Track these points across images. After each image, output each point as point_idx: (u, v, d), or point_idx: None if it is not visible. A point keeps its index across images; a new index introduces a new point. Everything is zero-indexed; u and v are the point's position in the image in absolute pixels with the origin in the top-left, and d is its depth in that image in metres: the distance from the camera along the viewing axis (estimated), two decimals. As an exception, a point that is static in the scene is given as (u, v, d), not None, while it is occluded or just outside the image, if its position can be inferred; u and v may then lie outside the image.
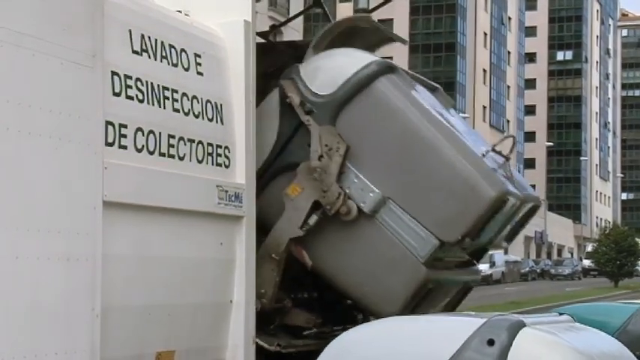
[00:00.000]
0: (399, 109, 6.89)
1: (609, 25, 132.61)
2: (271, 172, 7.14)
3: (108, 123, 5.56)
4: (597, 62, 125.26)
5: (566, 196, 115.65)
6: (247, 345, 6.70)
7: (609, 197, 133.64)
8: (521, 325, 4.53)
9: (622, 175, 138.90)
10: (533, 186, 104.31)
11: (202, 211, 6.36)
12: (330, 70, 7.11)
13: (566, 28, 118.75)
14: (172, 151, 6.11)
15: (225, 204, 6.53)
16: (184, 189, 6.19)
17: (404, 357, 4.53)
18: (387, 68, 7.06)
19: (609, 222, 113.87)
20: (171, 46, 6.18)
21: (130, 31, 5.83)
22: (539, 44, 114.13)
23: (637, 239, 67.49)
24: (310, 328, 7.33)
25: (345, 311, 7.56)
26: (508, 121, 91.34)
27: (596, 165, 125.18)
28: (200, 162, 6.35)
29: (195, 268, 6.34)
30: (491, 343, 4.42)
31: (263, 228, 7.04)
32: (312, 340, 7.24)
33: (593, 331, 5.35)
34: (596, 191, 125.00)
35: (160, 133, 5.97)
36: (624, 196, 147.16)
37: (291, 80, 7.15)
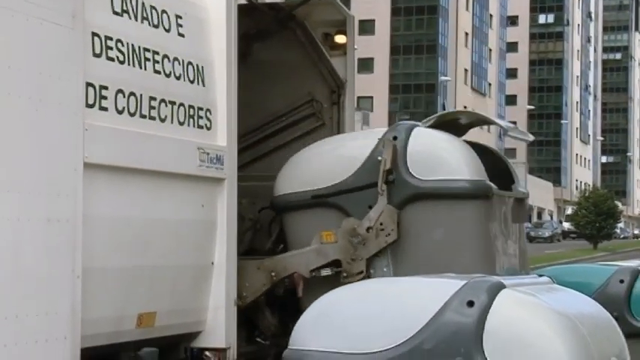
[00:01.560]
0: (472, 236, 6.58)
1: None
2: (326, 198, 6.87)
3: (88, 84, 5.53)
4: (579, 25, 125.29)
5: (546, 160, 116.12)
6: (228, 306, 6.73)
7: (589, 160, 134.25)
8: (501, 286, 4.57)
9: (602, 139, 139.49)
10: (514, 150, 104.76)
11: (183, 173, 6.35)
12: (438, 160, 6.69)
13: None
14: (153, 113, 6.09)
15: (207, 166, 6.53)
16: (165, 151, 6.18)
17: (384, 317, 4.56)
18: (487, 194, 6.67)
19: (589, 185, 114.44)
20: (152, 7, 6.14)
21: (111, -9, 5.79)
22: (521, 7, 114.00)
23: (616, 202, 67.94)
24: (267, 335, 7.34)
25: None
26: (490, 85, 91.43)
27: (577, 128, 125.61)
28: (181, 124, 6.33)
29: (177, 230, 6.35)
30: (471, 304, 4.45)
31: (279, 238, 7.15)
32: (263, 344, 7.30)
33: (572, 293, 5.39)
34: (577, 154, 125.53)
35: (140, 95, 5.95)
36: (604, 159, 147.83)
37: (393, 141, 6.72)
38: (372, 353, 4.46)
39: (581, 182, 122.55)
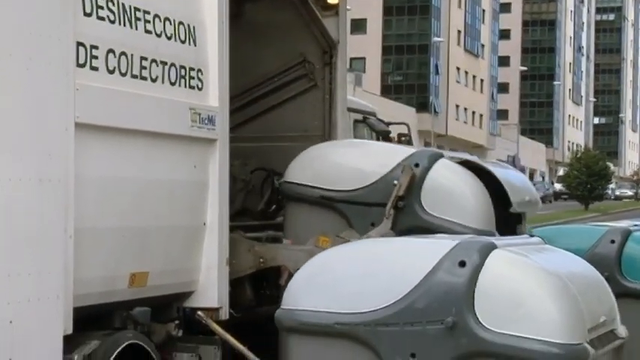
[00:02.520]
0: None
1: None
2: (334, 202, 6.77)
3: (79, 44, 5.50)
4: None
5: (538, 121, 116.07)
6: (221, 267, 6.75)
7: (581, 121, 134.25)
8: (492, 246, 4.59)
9: (595, 100, 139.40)
10: (506, 111, 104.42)
11: (175, 133, 6.34)
12: (452, 199, 6.52)
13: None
14: (145, 73, 6.07)
15: (199, 127, 6.52)
16: (157, 111, 6.16)
17: (376, 277, 4.58)
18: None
19: (581, 146, 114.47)
20: (143, -34, 6.10)
21: (101, -50, 5.74)
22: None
23: (607, 163, 68.05)
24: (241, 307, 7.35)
25: None
26: (483, 46, 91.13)
27: (569, 89, 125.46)
28: (173, 84, 6.31)
29: (169, 191, 6.35)
30: (462, 264, 4.47)
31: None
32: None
33: (563, 253, 5.42)
34: (569, 115, 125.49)
35: (131, 55, 5.92)
36: (596, 120, 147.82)
37: (413, 168, 6.53)
38: (364, 312, 4.48)
39: (573, 143, 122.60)
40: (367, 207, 6.54)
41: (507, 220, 6.80)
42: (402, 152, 6.69)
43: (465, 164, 6.73)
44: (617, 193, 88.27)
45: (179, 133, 6.37)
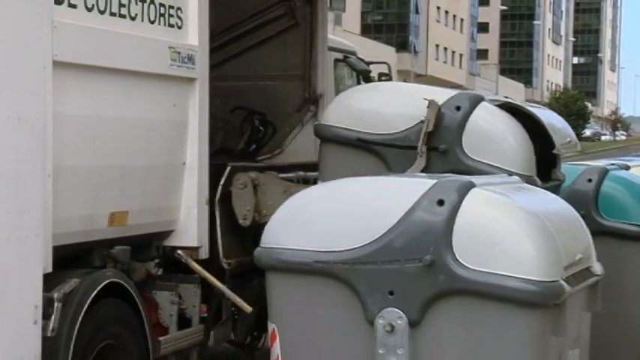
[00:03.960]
0: None
1: None
2: (372, 144, 6.57)
3: (57, -19, 5.45)
4: None
5: (518, 60, 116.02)
6: (200, 206, 6.78)
7: (561, 61, 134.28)
8: (471, 185, 4.61)
9: (574, 39, 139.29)
10: (486, 51, 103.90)
11: (155, 72, 6.32)
12: (494, 143, 6.38)
13: None
14: (124, 10, 6.02)
15: (178, 65, 6.50)
16: (136, 50, 6.14)
17: (355, 215, 4.60)
18: None
19: (560, 86, 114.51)
20: None
21: None
22: None
23: (586, 103, 68.31)
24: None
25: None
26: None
27: (549, 29, 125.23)
28: (152, 22, 6.28)
29: (148, 130, 6.35)
30: (441, 203, 4.49)
31: None
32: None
33: (541, 192, 5.46)
34: (548, 55, 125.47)
35: (110, -8, 5.88)
36: (575, 60, 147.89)
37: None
38: (343, 251, 4.51)
39: (552, 83, 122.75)
40: (406, 150, 6.38)
41: (541, 162, 6.68)
42: (442, 95, 6.53)
43: (505, 107, 6.64)
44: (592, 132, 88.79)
45: (158, 72, 6.35)
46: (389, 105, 6.60)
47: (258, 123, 8.56)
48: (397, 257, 4.45)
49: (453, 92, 6.61)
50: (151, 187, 6.41)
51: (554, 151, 6.69)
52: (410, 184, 4.84)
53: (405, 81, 66.48)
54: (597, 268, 5.12)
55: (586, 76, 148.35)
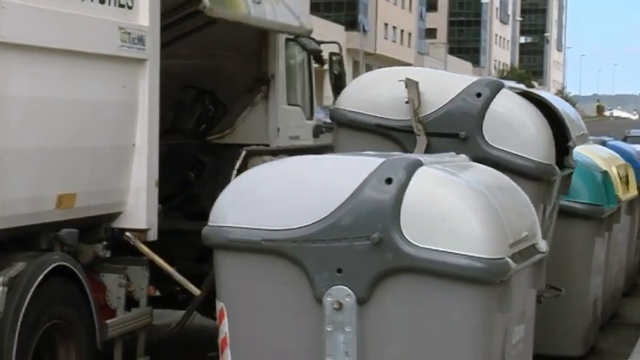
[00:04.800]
0: None
1: None
2: (391, 130, 6.50)
3: (3, -39, 5.40)
4: None
5: (466, 40, 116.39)
6: (150, 188, 6.76)
7: (508, 41, 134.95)
8: (419, 163, 4.65)
9: (521, 19, 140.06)
10: (434, 30, 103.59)
11: (104, 53, 6.29)
12: (514, 131, 6.35)
13: None
14: (72, -9, 5.97)
15: (128, 46, 6.46)
16: (85, 30, 6.09)
17: (303, 194, 4.63)
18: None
19: (507, 65, 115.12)
20: None
21: None
22: None
23: (533, 82, 68.80)
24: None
25: None
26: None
27: (497, 8, 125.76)
28: (102, 3, 6.24)
29: (97, 111, 6.31)
30: (389, 181, 4.53)
31: None
32: None
33: (488, 170, 5.52)
34: (496, 34, 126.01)
35: (58, -28, 5.83)
36: (522, 39, 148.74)
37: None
38: (291, 229, 4.54)
39: (499, 62, 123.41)
40: (426, 136, 6.31)
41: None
42: (462, 81, 6.52)
43: (524, 95, 6.63)
44: None
45: (108, 53, 6.31)
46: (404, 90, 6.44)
47: (209, 102, 8.54)
48: (345, 235, 4.49)
49: (473, 78, 6.60)
50: (100, 169, 6.38)
51: (570, 144, 6.70)
52: (358, 162, 4.88)
53: (354, 60, 66.54)
54: (542, 245, 5.20)
55: (533, 56, 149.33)
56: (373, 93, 6.54)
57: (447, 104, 6.35)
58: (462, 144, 6.25)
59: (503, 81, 6.70)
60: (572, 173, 7.09)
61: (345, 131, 6.59)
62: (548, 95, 6.95)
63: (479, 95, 6.33)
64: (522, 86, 6.97)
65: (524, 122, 6.41)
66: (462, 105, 6.31)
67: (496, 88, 6.39)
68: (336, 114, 6.68)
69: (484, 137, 6.27)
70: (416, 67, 7.54)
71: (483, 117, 6.28)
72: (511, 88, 6.65)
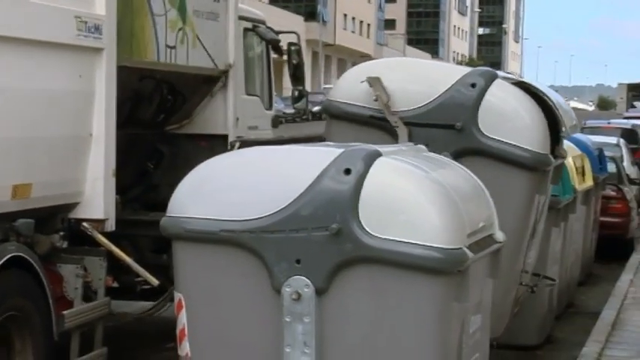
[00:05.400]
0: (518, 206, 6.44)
1: None
2: (385, 121, 6.48)
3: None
4: None
5: (425, 31, 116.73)
6: (107, 178, 6.72)
7: (466, 32, 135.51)
8: (377, 154, 4.66)
9: (479, 10, 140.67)
10: (393, 21, 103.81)
11: (60, 42, 6.24)
12: (508, 121, 6.38)
13: None
14: (26, -21, 5.92)
15: (85, 35, 6.42)
16: (41, 19, 6.04)
17: (262, 185, 4.62)
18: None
19: (465, 56, 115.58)
20: None
21: None
22: None
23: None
24: None
25: None
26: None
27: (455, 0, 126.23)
28: (57, -9, 6.18)
29: (53, 101, 6.26)
30: (347, 172, 4.53)
31: None
32: None
33: (446, 161, 5.54)
34: (454, 26, 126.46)
35: (12, -40, 5.77)
36: (480, 30, 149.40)
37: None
38: (250, 220, 4.53)
39: (458, 54, 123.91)
40: (421, 127, 6.34)
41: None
42: (456, 72, 6.55)
43: (519, 86, 6.64)
44: None
45: (64, 41, 6.26)
46: (403, 82, 6.53)
47: (167, 92, 8.49)
48: (304, 226, 4.49)
49: (466, 69, 6.61)
50: (56, 159, 6.33)
51: (562, 134, 6.72)
52: (317, 153, 4.88)
53: (313, 50, 66.46)
54: (499, 235, 5.23)
55: (491, 47, 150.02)
56: (366, 85, 6.53)
57: (441, 95, 6.39)
58: (457, 135, 6.29)
59: (496, 71, 6.73)
60: (563, 164, 7.12)
61: (338, 123, 6.61)
62: (540, 85, 6.99)
63: (473, 86, 6.36)
64: (515, 76, 6.99)
65: (519, 112, 6.44)
66: (456, 96, 6.35)
67: (490, 79, 6.43)
68: (329, 106, 6.69)
69: (479, 128, 6.31)
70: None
71: (478, 107, 6.32)
72: (504, 78, 6.69)
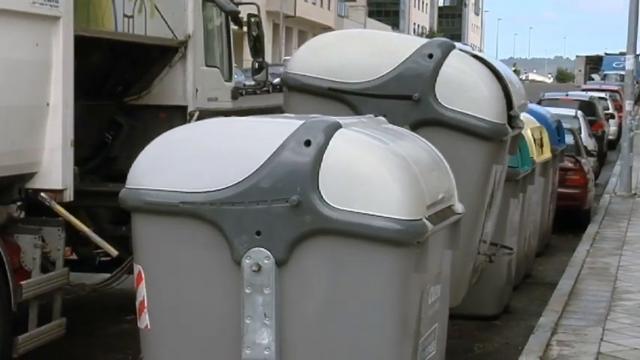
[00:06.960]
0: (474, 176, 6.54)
1: None
2: (344, 94, 6.50)
3: None
4: None
5: (385, 3, 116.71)
6: (65, 148, 6.67)
7: (427, 4, 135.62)
8: (337, 126, 4.65)
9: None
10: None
11: (15, 10, 6.16)
12: (465, 91, 6.39)
13: None
14: (-19, -54, 5.83)
15: (41, 3, 6.34)
16: (-5, -13, 5.95)
17: (224, 156, 4.60)
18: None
19: (426, 29, 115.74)
20: None
21: None
22: None
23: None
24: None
25: None
26: None
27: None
28: (12, -42, 6.10)
29: (9, 70, 6.19)
30: (308, 143, 4.52)
31: None
32: None
33: (407, 133, 5.55)
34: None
35: None
36: (441, 2, 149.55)
37: (426, 59, 6.34)
38: (209, 192, 4.52)
39: (418, 25, 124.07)
40: (379, 99, 6.33)
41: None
42: (413, 43, 6.51)
43: (475, 58, 6.63)
44: None
45: (19, 9, 6.18)
46: (360, 54, 6.51)
47: (125, 63, 8.42)
48: (264, 198, 4.48)
49: (423, 40, 6.60)
50: (13, 129, 6.27)
51: (512, 113, 6.74)
52: (278, 124, 4.86)
53: (274, 22, 66.20)
54: (458, 207, 5.26)
55: (451, 19, 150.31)
56: (324, 56, 6.53)
57: (398, 66, 6.38)
58: (415, 106, 6.29)
59: (454, 42, 6.74)
60: (520, 134, 7.15)
61: (296, 95, 6.58)
62: (492, 59, 7.03)
63: (430, 56, 6.36)
64: (471, 49, 7.00)
65: (477, 83, 6.46)
66: (413, 67, 6.35)
67: (447, 49, 6.43)
68: (287, 78, 6.65)
69: (437, 98, 6.32)
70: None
71: (436, 78, 6.32)
72: (460, 49, 6.68)
